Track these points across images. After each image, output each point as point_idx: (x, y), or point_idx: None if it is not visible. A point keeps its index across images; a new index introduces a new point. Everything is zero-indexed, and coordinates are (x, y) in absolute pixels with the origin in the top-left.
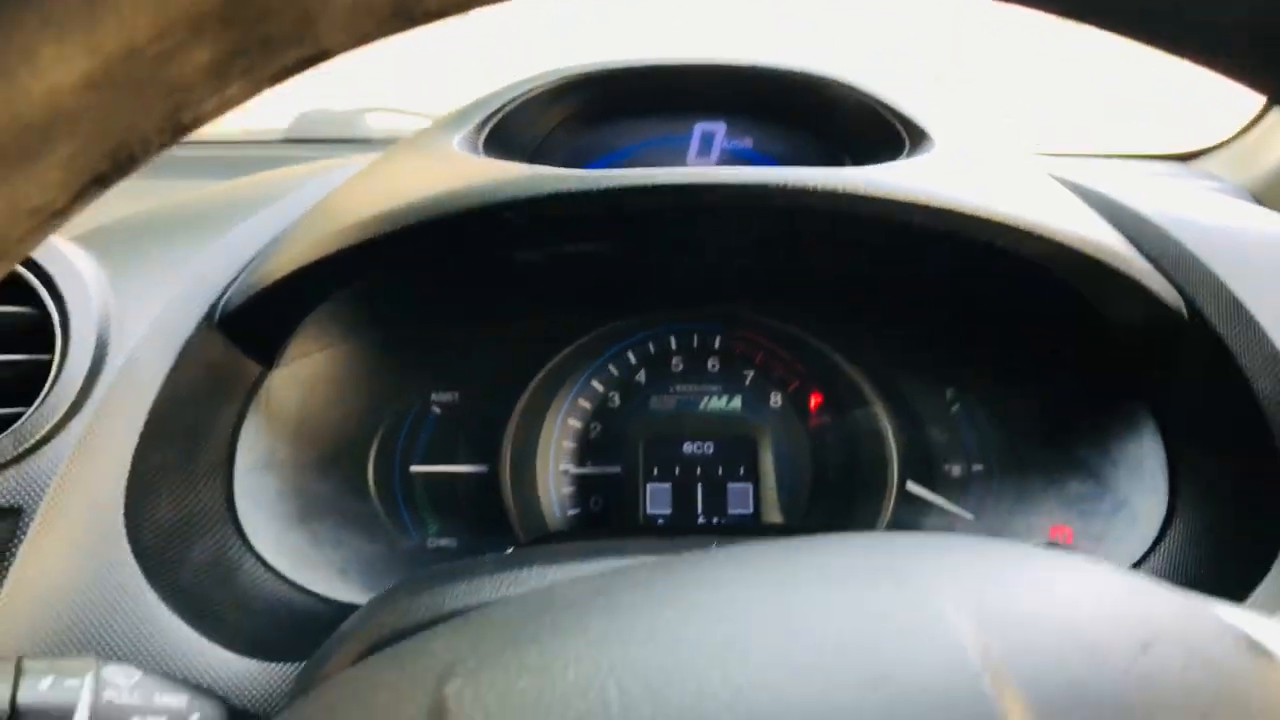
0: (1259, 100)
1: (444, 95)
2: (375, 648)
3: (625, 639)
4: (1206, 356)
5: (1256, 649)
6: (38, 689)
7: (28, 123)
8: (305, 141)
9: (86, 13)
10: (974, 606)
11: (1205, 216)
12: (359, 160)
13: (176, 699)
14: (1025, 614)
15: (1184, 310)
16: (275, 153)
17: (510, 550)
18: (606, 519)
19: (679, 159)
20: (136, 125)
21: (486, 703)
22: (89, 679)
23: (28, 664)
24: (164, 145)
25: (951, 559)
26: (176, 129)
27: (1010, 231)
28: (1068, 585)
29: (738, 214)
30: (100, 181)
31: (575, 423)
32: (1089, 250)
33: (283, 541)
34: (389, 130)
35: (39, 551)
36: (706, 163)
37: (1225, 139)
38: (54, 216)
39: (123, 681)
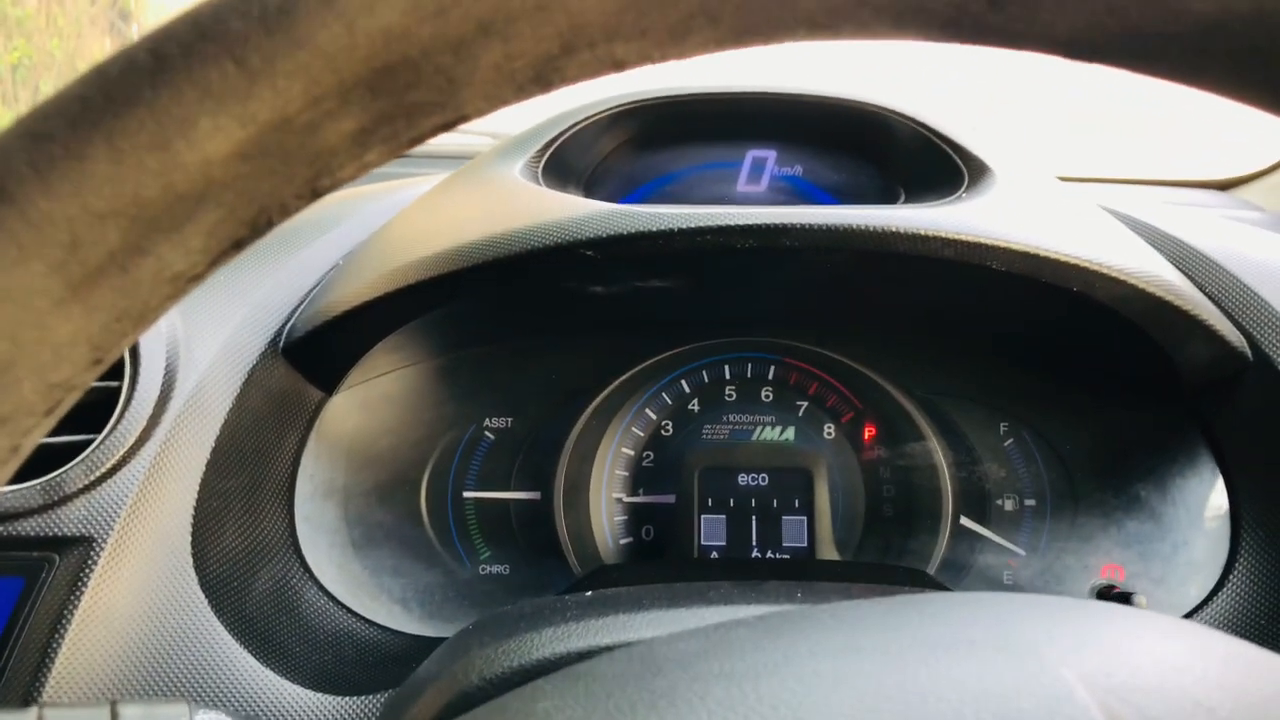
0: None
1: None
2: (465, 696)
3: (750, 711)
4: (1270, 396)
5: None
6: None
7: (180, 193)
8: None
9: (244, 85)
10: (1099, 679)
11: (1265, 253)
12: (410, 182)
13: None
14: (1151, 687)
15: (1248, 351)
16: None
17: (589, 593)
18: (659, 548)
19: (729, 185)
20: (278, 192)
21: None
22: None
23: (122, 709)
24: (299, 209)
25: (1071, 627)
26: (314, 194)
27: (1086, 274)
28: (1187, 654)
29: (815, 253)
30: (237, 246)
31: (628, 451)
32: (1159, 292)
33: (343, 570)
34: (428, 145)
35: (110, 582)
36: (756, 189)
37: (1266, 168)
38: (190, 281)
39: None
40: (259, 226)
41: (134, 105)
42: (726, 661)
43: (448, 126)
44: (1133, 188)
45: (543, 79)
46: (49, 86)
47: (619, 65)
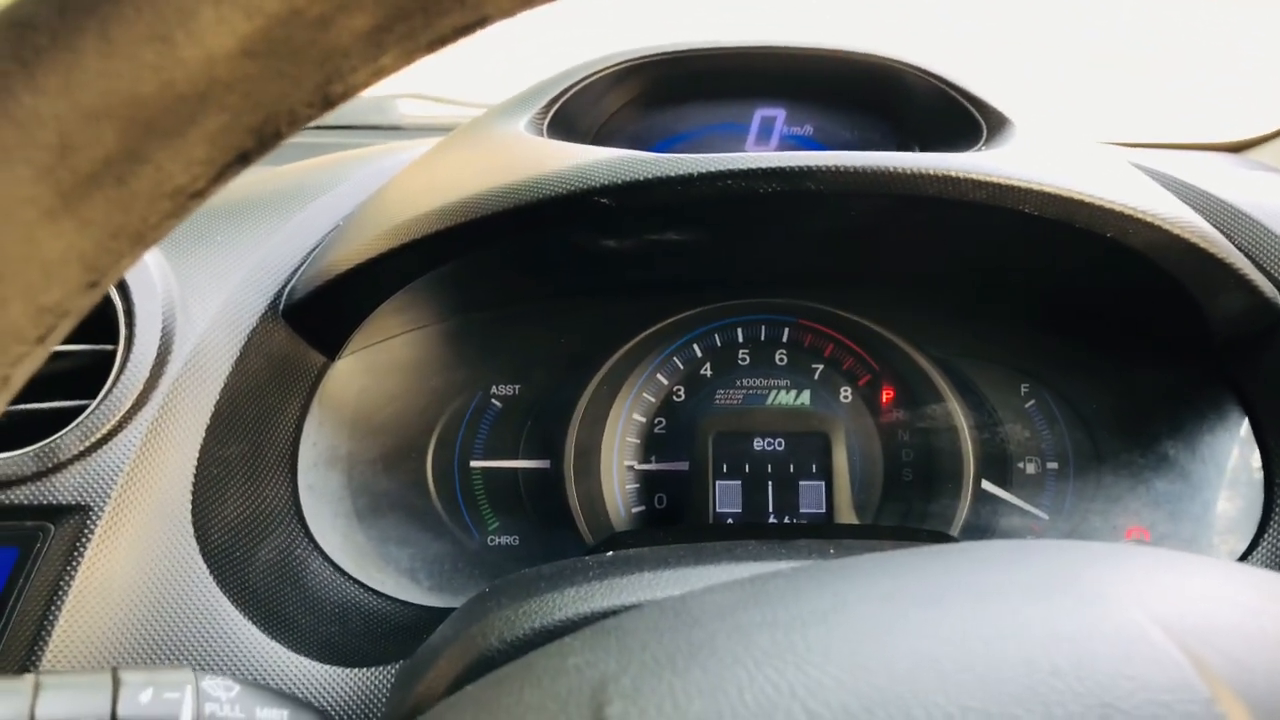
0: None
1: (471, 84)
2: (485, 659)
3: (800, 659)
4: None
5: None
6: (138, 702)
7: (180, 93)
8: (336, 128)
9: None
10: (1174, 622)
11: None
12: (405, 145)
13: (278, 713)
14: (1229, 628)
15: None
16: (305, 138)
17: (609, 554)
18: (672, 516)
19: (738, 145)
20: (287, 96)
21: (684, 711)
22: (189, 692)
23: (124, 675)
24: (309, 119)
25: (1129, 570)
26: (325, 101)
27: (1121, 219)
28: (1254, 593)
29: (838, 199)
30: (243, 159)
31: (640, 417)
32: (1194, 239)
33: (349, 540)
34: (420, 117)
35: (107, 552)
36: (766, 149)
37: (1278, 129)
38: (192, 199)
39: (222, 694)
40: (266, 137)
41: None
42: (768, 611)
43: (468, 30)
44: (1144, 151)
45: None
46: None
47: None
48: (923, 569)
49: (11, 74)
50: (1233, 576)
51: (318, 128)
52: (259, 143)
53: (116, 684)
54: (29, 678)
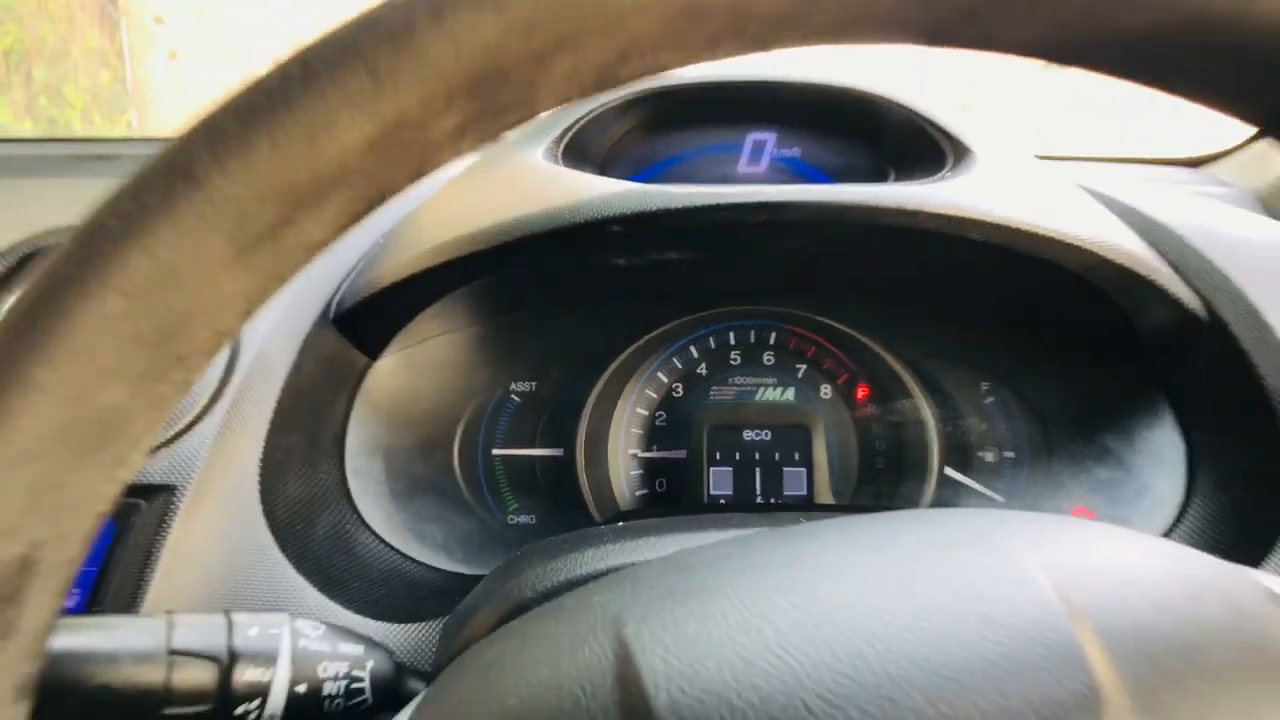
0: None
1: None
2: (521, 606)
3: (770, 593)
4: (1223, 356)
5: (1276, 600)
6: (248, 635)
7: (321, 177)
8: None
9: (374, 90)
10: (1054, 568)
11: (1223, 226)
12: None
13: (355, 648)
14: (1096, 572)
15: (1203, 314)
16: None
17: (621, 524)
18: (671, 499)
19: (731, 166)
20: (394, 176)
21: (664, 641)
22: (286, 629)
23: (234, 616)
24: (405, 188)
25: (1032, 530)
26: (418, 175)
27: (1057, 245)
28: (1124, 544)
29: (814, 227)
30: (357, 218)
31: (643, 411)
32: (1123, 261)
33: (390, 517)
34: None
35: (190, 524)
36: (757, 170)
37: (1233, 146)
38: (319, 247)
39: (311, 632)
40: (375, 203)
41: (289, 106)
42: (749, 558)
43: (523, 120)
44: (1109, 165)
45: (603, 82)
46: (42, 72)
47: (663, 68)
48: (868, 527)
49: (209, 166)
50: (1123, 539)
51: None
52: (370, 206)
53: (230, 623)
54: (164, 616)
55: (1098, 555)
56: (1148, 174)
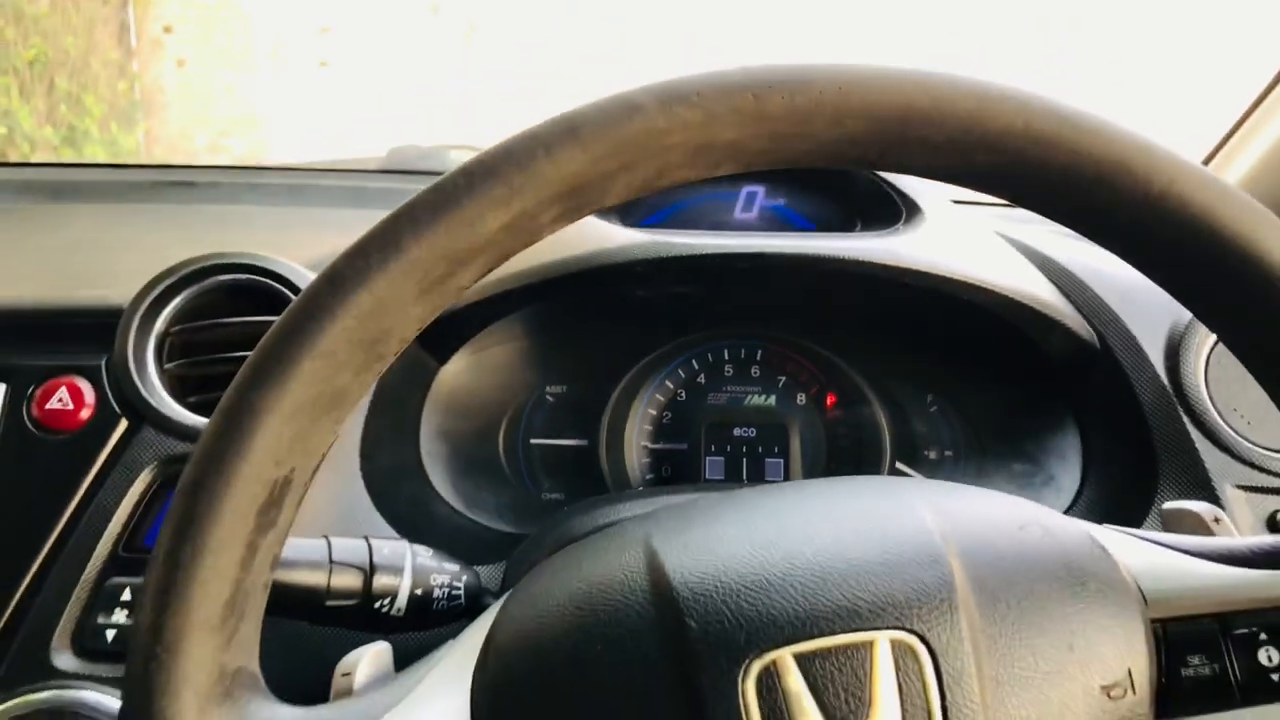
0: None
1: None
2: (570, 539)
3: (746, 519)
4: (1111, 376)
5: (1094, 540)
6: (382, 553)
7: (474, 249)
8: (396, 172)
9: (509, 196)
10: (936, 509)
11: (1117, 269)
12: None
13: (454, 566)
14: (965, 513)
15: (1096, 343)
16: (371, 183)
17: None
18: (674, 483)
19: (728, 213)
20: (515, 247)
21: (678, 543)
22: (408, 550)
23: (372, 540)
24: (520, 250)
25: (928, 488)
26: (529, 246)
27: (981, 291)
28: (985, 498)
29: (790, 270)
30: (488, 273)
31: (653, 410)
32: (1031, 303)
33: (456, 489)
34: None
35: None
36: (750, 216)
37: None
38: (466, 289)
39: (424, 552)
40: (501, 263)
41: (459, 205)
42: (734, 500)
43: (592, 212)
44: None
45: (647, 189)
46: (64, 81)
47: (688, 181)
48: (820, 484)
49: (409, 240)
50: (991, 497)
51: (381, 172)
52: (498, 265)
53: (369, 544)
54: (322, 538)
55: (969, 504)
56: None
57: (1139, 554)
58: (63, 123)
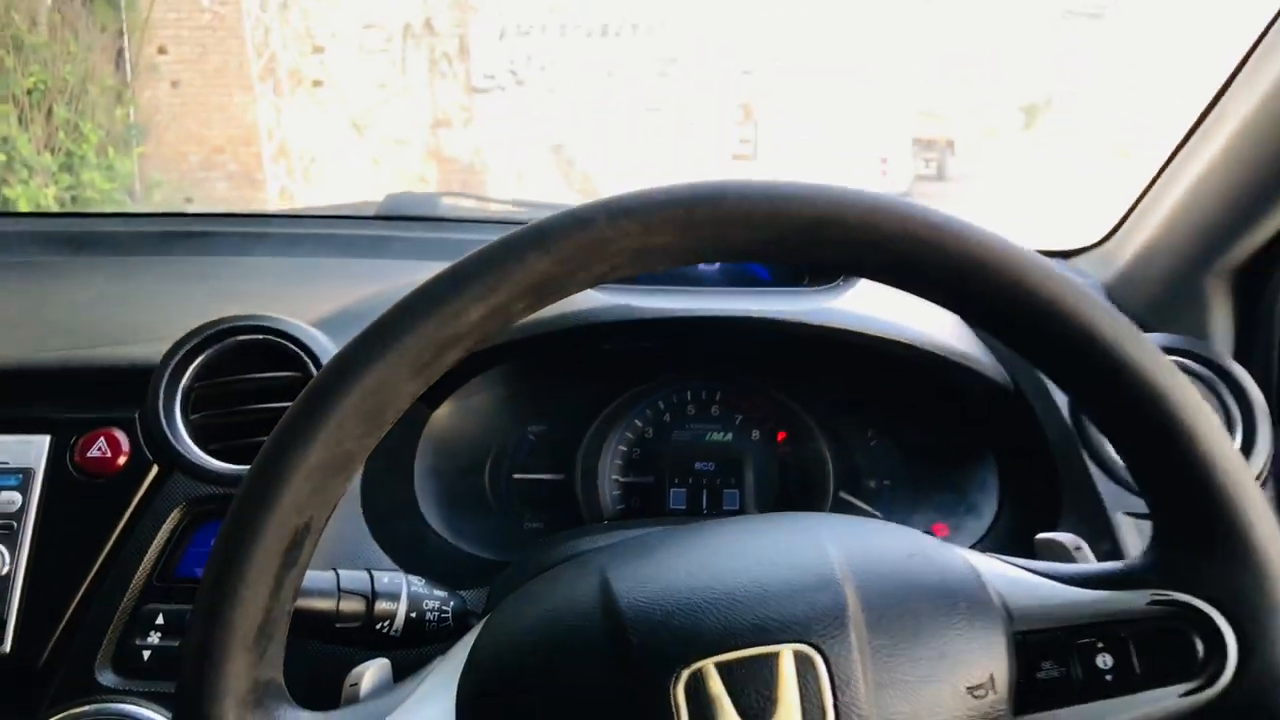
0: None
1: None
2: (541, 569)
3: (684, 551)
4: (1022, 416)
5: (969, 565)
6: (382, 582)
7: (460, 334)
8: (392, 219)
9: (487, 294)
10: (835, 540)
11: None
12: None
13: (443, 593)
14: (861, 546)
15: (1011, 386)
16: (368, 230)
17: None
18: (642, 513)
19: (694, 267)
20: (492, 332)
21: (625, 573)
22: (404, 580)
23: (373, 571)
24: (497, 338)
25: (835, 523)
26: (505, 330)
27: (899, 345)
28: (881, 531)
29: (746, 329)
30: (470, 353)
31: (623, 448)
32: (951, 355)
33: (446, 521)
34: (458, 209)
35: None
36: (712, 271)
37: (1093, 243)
38: (453, 364)
39: (418, 583)
40: (479, 346)
41: (445, 301)
42: (674, 535)
43: (555, 301)
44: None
45: (605, 279)
46: (62, 109)
47: (633, 274)
48: (749, 520)
49: (404, 329)
50: (886, 529)
51: (378, 219)
52: (476, 347)
53: (371, 574)
54: (331, 570)
55: (865, 537)
56: None
57: (1006, 578)
58: (61, 149)
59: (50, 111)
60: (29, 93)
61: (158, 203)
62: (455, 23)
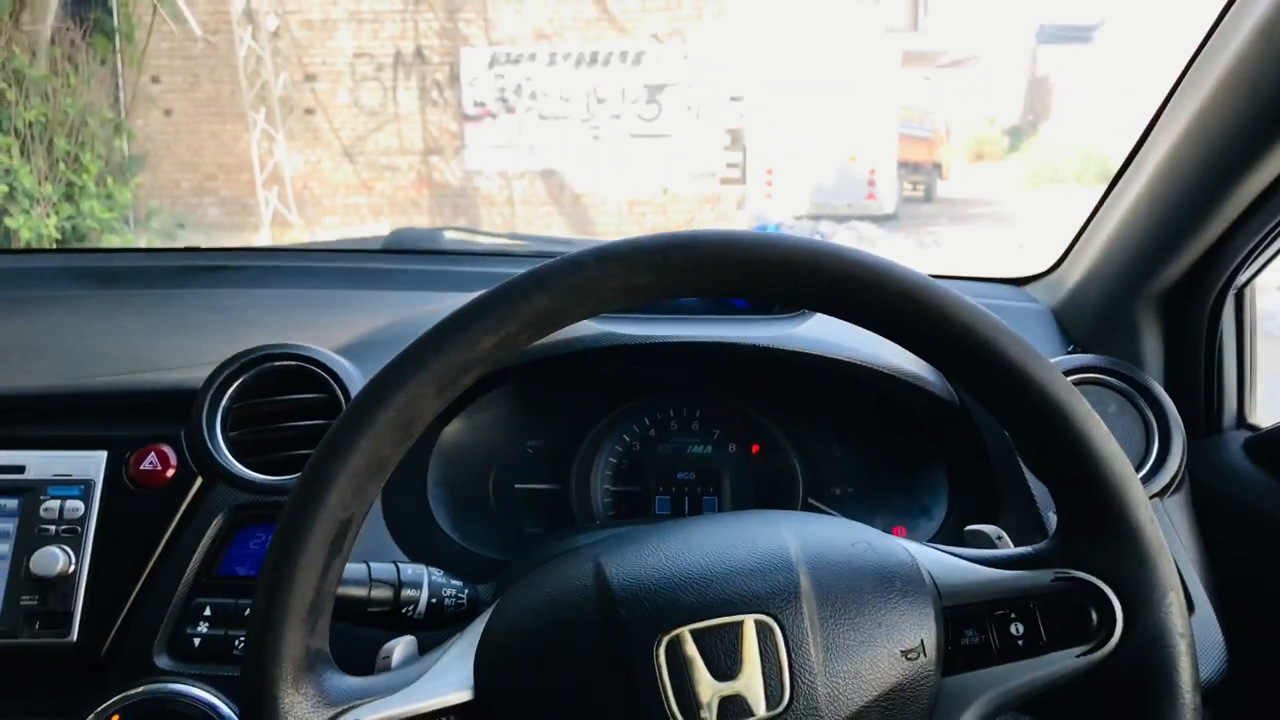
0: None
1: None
2: (541, 562)
3: (667, 540)
4: (968, 429)
5: (906, 551)
6: (407, 573)
7: (471, 362)
8: (397, 252)
9: (496, 327)
10: (795, 532)
11: None
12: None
13: (459, 582)
14: (817, 536)
15: (956, 403)
16: (374, 264)
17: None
18: (631, 516)
19: None
20: (501, 360)
21: (617, 559)
22: (425, 571)
23: (400, 564)
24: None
25: (795, 518)
26: (511, 356)
27: (862, 367)
28: (834, 525)
29: (721, 352)
30: (481, 377)
31: (613, 459)
32: (903, 376)
33: (455, 525)
34: (458, 243)
35: None
36: (694, 302)
37: (1043, 270)
38: (467, 386)
39: (436, 573)
40: (492, 370)
41: (462, 332)
42: (658, 528)
43: (555, 331)
44: (950, 282)
45: (592, 315)
46: (63, 141)
47: (616, 310)
48: (715, 517)
49: (430, 354)
50: (841, 523)
51: (383, 252)
52: (492, 368)
53: (397, 566)
54: (364, 563)
55: (818, 529)
56: (978, 290)
57: (936, 561)
58: (62, 179)
59: (51, 143)
60: (30, 125)
61: (155, 230)
62: (445, 51)
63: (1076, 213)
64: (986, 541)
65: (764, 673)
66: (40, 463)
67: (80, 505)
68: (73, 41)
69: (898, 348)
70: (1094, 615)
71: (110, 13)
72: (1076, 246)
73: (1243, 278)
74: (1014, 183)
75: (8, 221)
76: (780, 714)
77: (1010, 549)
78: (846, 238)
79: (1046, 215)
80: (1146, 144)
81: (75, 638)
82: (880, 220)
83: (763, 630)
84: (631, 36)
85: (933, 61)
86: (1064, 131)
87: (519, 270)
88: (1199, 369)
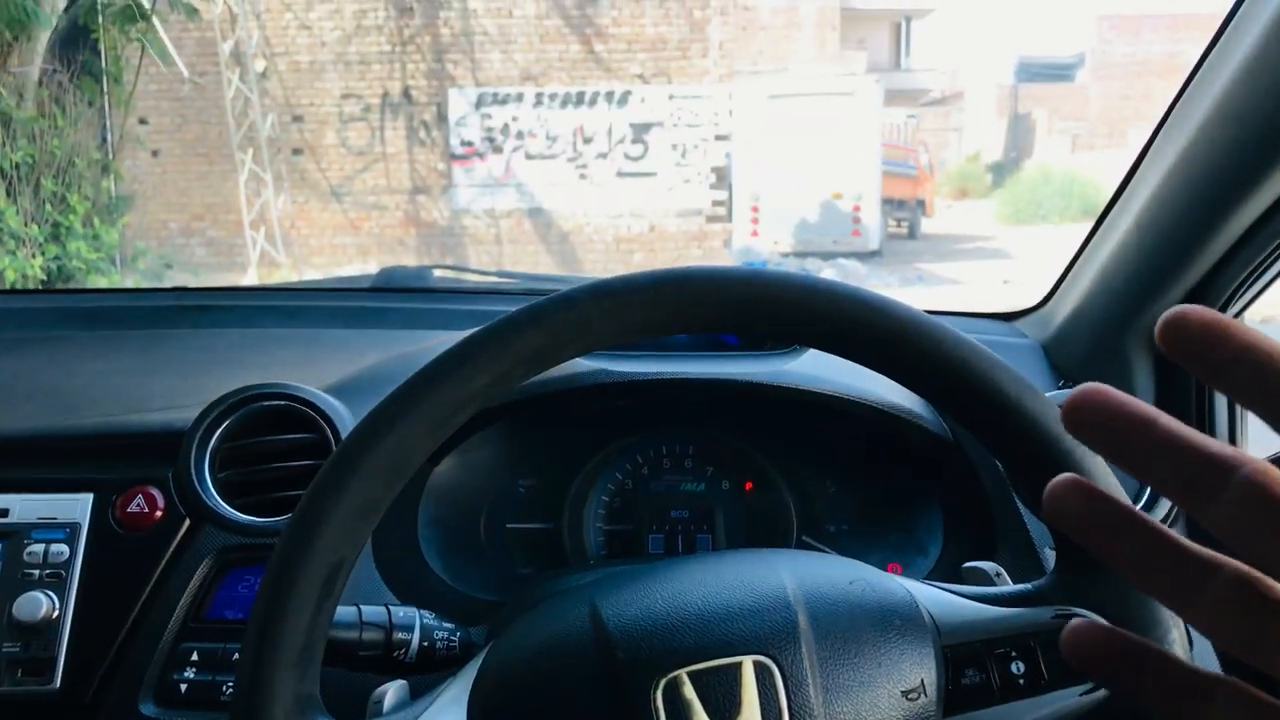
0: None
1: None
2: (536, 603)
3: (663, 581)
4: (962, 466)
5: (904, 589)
6: (399, 616)
7: (470, 399)
8: (386, 291)
9: (489, 365)
10: (789, 570)
11: None
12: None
13: (450, 625)
14: (813, 575)
15: (951, 439)
16: (363, 302)
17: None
18: (624, 556)
19: None
20: (497, 397)
21: (612, 599)
22: (417, 614)
23: (390, 607)
24: (497, 402)
25: (788, 556)
26: (505, 394)
27: (859, 405)
28: (831, 563)
29: (713, 390)
30: (473, 414)
31: (606, 498)
32: (897, 412)
33: (446, 566)
34: (447, 280)
35: None
36: (686, 339)
37: (1030, 306)
38: (454, 429)
39: (428, 615)
40: (484, 408)
41: (456, 370)
42: (653, 569)
43: (550, 368)
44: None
45: (586, 352)
46: (50, 182)
47: (614, 347)
48: (710, 555)
49: (422, 394)
50: (836, 561)
51: (373, 291)
52: (485, 406)
53: (388, 610)
54: (354, 605)
55: (816, 568)
56: (969, 325)
57: (936, 599)
58: (48, 220)
59: (38, 184)
60: (17, 166)
61: (142, 270)
62: (433, 92)
63: (1061, 248)
64: (985, 579)
65: (763, 714)
66: (24, 506)
67: (65, 549)
68: (60, 83)
69: (891, 383)
70: None
71: (98, 55)
72: (1066, 281)
73: (1233, 310)
74: (998, 218)
75: None
76: None
77: (1009, 586)
78: (831, 274)
79: (1031, 250)
80: (1135, 178)
81: (59, 685)
82: (865, 257)
83: (761, 671)
84: (618, 77)
85: (916, 100)
86: (1047, 167)
87: (509, 308)
88: (1190, 402)
